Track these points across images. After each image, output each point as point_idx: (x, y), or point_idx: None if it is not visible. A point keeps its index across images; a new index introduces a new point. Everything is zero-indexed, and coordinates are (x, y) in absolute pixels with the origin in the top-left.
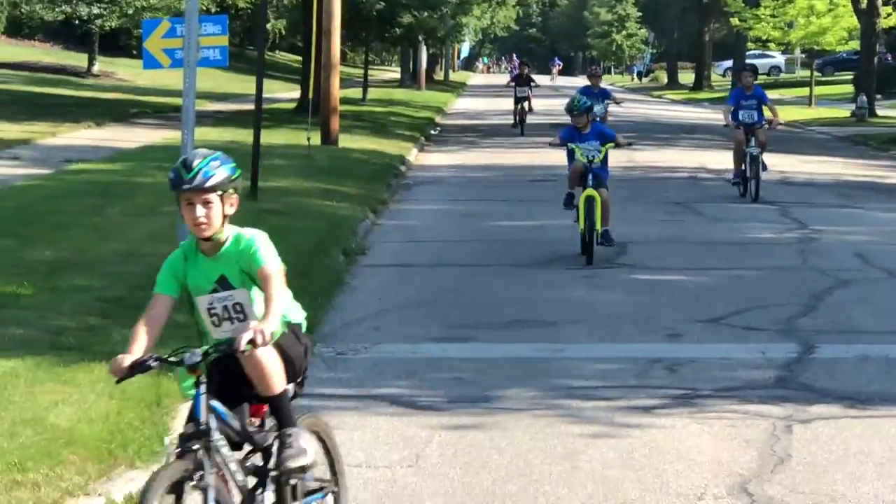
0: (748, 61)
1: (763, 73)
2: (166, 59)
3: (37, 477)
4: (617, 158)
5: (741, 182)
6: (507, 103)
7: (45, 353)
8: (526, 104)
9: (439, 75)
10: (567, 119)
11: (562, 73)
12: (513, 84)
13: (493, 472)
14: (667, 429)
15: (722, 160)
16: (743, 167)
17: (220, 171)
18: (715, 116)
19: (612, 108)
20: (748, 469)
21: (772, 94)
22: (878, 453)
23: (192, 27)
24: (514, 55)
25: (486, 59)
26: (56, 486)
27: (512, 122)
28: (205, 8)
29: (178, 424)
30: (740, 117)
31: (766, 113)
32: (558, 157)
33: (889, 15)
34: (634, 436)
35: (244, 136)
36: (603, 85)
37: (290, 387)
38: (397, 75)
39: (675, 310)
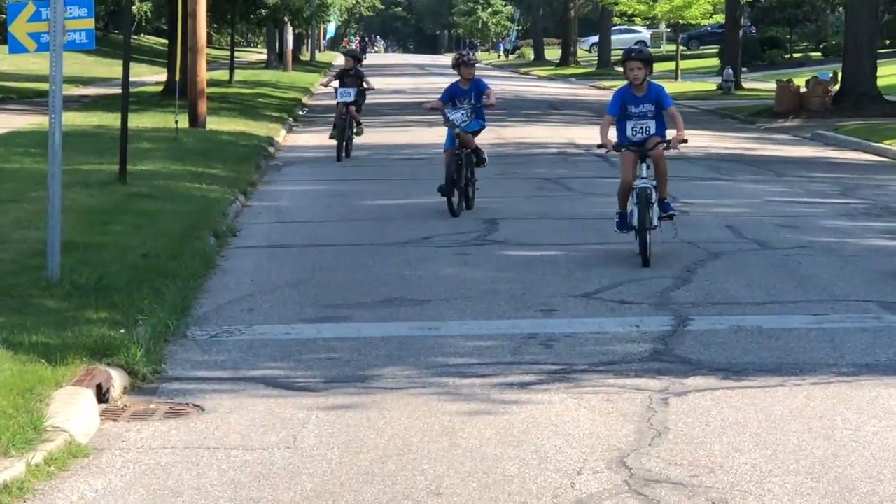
0: (635, 46)
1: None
2: (32, 43)
3: None
4: (486, 136)
5: (627, 225)
6: (373, 82)
7: None
8: (349, 115)
9: (306, 56)
10: None
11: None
12: (332, 83)
13: (371, 452)
14: (544, 404)
15: (590, 135)
16: (630, 209)
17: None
18: (581, 92)
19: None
20: (626, 443)
21: None
22: (754, 424)
23: (57, 10)
24: (360, 37)
25: (352, 39)
26: None
27: (331, 135)
28: None
29: (53, 411)
30: (628, 132)
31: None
32: (427, 136)
33: None
34: (512, 412)
35: (111, 119)
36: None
37: None
38: (264, 56)
39: (549, 285)
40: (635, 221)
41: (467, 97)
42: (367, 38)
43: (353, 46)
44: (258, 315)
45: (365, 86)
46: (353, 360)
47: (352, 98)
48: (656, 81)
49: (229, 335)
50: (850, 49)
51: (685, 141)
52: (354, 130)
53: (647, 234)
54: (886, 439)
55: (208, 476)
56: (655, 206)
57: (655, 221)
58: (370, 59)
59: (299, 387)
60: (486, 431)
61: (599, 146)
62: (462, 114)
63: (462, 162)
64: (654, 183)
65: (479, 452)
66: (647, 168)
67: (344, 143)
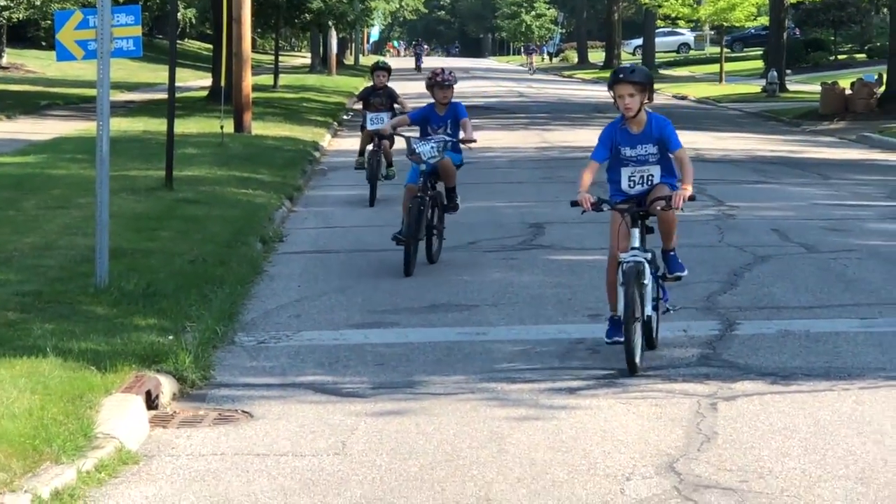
0: (625, 66)
1: (672, 51)
2: (79, 50)
3: None
4: (530, 140)
5: (620, 334)
6: (416, 87)
7: None
8: (379, 148)
9: (350, 60)
10: None
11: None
12: (359, 106)
13: (420, 458)
14: (592, 409)
15: None
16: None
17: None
18: None
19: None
20: (675, 448)
21: (681, 72)
22: (803, 428)
23: (104, 18)
24: (416, 41)
25: (396, 43)
26: None
27: (356, 164)
28: None
29: (103, 418)
30: (623, 184)
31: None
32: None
33: None
34: (560, 417)
35: (157, 125)
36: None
37: None
38: (308, 61)
39: (596, 290)
40: (619, 309)
41: (443, 125)
42: (419, 42)
43: (402, 52)
44: (306, 321)
45: (398, 108)
46: (401, 366)
47: (385, 125)
48: (661, 113)
49: (277, 341)
50: None
51: (693, 198)
52: (384, 173)
53: (636, 327)
54: None
55: (258, 483)
56: (650, 289)
57: (649, 310)
58: (397, 59)
59: (347, 393)
60: (535, 437)
61: (573, 203)
62: (432, 147)
63: (425, 205)
64: (649, 255)
65: (528, 458)
66: (643, 233)
67: (376, 185)
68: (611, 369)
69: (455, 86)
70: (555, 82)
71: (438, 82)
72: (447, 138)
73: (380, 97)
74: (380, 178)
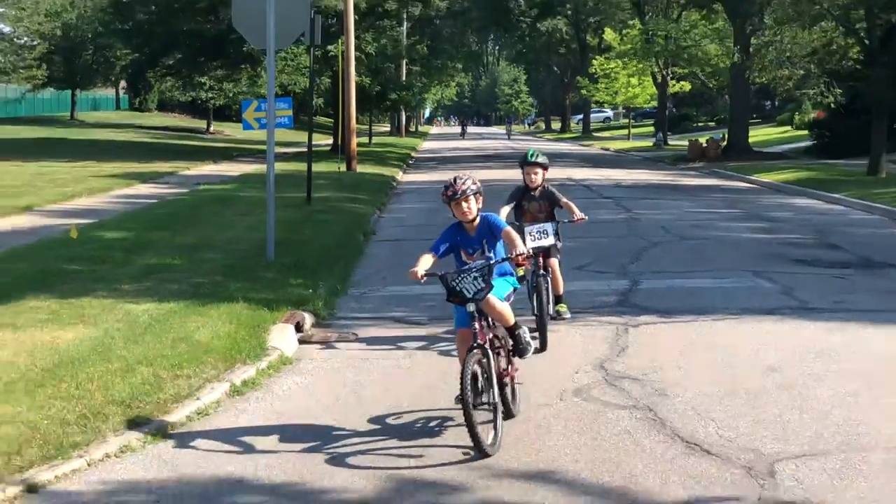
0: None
1: (600, 121)
2: (256, 124)
3: (189, 372)
4: (504, 174)
5: None
6: (454, 145)
7: (190, 299)
8: (546, 273)
9: (413, 127)
10: None
11: (478, 123)
12: (506, 210)
13: (455, 361)
14: (558, 332)
15: (583, 174)
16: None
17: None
18: (573, 148)
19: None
20: (603, 354)
21: (605, 134)
22: (680, 344)
23: (270, 104)
24: (461, 119)
25: (440, 117)
26: (200, 377)
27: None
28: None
29: (271, 338)
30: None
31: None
32: (503, 174)
33: (674, 85)
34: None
35: (300, 166)
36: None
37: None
38: (388, 128)
39: None
40: None
41: (478, 247)
42: (464, 119)
43: (442, 123)
44: (389, 280)
45: (572, 214)
46: (446, 305)
47: (551, 239)
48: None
49: (373, 292)
50: (733, 120)
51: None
52: (557, 308)
53: None
54: (762, 355)
55: (363, 374)
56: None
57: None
58: (440, 128)
59: (414, 321)
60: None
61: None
62: (475, 277)
63: (488, 358)
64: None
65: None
66: None
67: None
68: (570, 309)
69: (477, 195)
70: (529, 141)
71: (450, 196)
72: (490, 261)
73: (536, 201)
74: (550, 317)
